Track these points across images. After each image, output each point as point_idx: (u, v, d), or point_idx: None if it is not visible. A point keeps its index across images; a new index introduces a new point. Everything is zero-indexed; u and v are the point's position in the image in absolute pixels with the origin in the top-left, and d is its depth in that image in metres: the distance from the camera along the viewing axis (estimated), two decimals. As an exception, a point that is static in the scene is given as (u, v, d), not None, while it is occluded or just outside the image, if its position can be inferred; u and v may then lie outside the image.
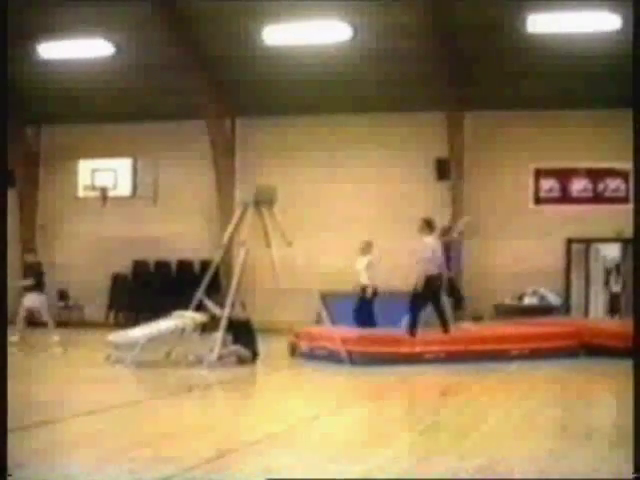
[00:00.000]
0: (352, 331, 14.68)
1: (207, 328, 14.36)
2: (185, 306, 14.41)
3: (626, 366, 10.32)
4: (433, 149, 21.60)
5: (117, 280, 23.48)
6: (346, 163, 22.10)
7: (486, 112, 21.38)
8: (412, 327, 14.17)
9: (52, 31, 20.14)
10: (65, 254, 23.78)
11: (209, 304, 14.44)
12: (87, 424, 8.67)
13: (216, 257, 15.64)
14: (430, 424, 8.89)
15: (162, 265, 23.40)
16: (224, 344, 13.76)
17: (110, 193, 21.75)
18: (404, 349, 13.97)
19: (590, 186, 21.39)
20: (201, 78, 21.96)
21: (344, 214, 21.76)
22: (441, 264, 14.50)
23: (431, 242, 14.44)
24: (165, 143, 22.83)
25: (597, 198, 21.30)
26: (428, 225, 14.57)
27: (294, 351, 15.06)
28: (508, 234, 21.06)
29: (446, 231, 16.31)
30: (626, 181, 20.81)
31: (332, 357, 13.91)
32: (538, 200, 21.69)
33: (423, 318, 14.60)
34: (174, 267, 23.35)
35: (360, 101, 21.68)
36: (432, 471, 6.40)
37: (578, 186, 21.48)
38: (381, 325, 15.48)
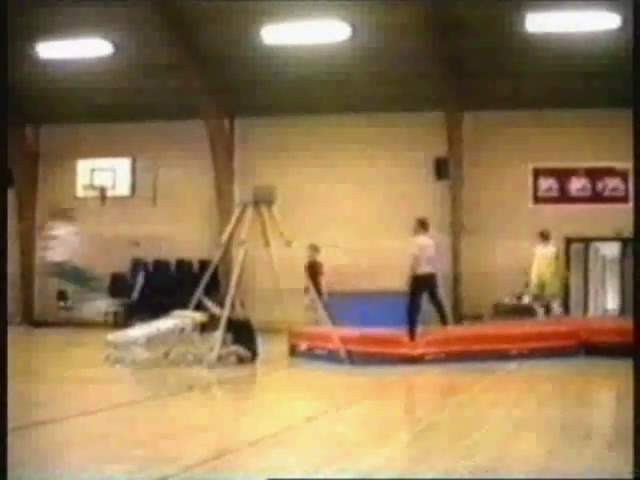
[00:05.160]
0: (351, 331, 14.67)
1: (206, 328, 14.34)
2: (184, 305, 14.41)
3: (626, 366, 10.31)
4: (432, 149, 21.62)
5: (116, 279, 23.47)
6: (345, 163, 22.11)
7: (485, 112, 21.40)
8: (411, 329, 14.12)
9: (51, 31, 20.16)
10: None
11: (208, 304, 14.43)
12: (87, 424, 8.66)
13: (215, 256, 15.64)
14: (430, 424, 8.88)
15: (161, 264, 23.40)
16: (224, 344, 13.74)
17: (109, 193, 21.81)
18: (404, 349, 13.95)
19: (589, 185, 21.41)
20: (200, 78, 21.96)
21: (343, 214, 21.76)
22: (434, 263, 14.51)
23: (422, 241, 14.45)
24: (164, 143, 22.83)
25: (596, 197, 21.33)
26: (421, 225, 14.63)
27: (294, 351, 15.05)
28: (507, 233, 21.06)
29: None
30: (625, 180, 20.83)
31: (332, 357, 13.90)
32: (537, 199, 21.72)
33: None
34: (173, 266, 23.35)
35: (359, 101, 21.68)
36: (432, 471, 6.40)
37: (577, 185, 21.49)
38: (384, 325, 15.40)
